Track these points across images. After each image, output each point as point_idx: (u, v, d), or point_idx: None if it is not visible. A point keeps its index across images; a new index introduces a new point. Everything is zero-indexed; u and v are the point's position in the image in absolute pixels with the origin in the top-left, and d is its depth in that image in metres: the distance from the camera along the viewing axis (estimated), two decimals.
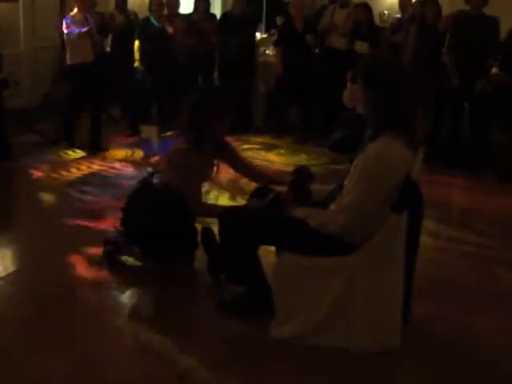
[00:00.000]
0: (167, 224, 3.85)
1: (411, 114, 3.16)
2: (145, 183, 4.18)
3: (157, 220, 3.86)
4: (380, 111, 3.12)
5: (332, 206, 3.30)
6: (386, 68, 3.22)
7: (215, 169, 4.10)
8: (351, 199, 3.12)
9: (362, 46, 7.36)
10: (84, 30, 6.84)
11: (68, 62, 7.00)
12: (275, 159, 7.11)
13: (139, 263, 4.22)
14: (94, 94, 7.15)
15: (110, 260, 4.21)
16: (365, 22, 7.50)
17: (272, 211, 3.48)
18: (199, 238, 4.04)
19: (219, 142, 4.05)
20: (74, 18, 6.94)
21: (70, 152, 6.99)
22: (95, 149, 7.10)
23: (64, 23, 6.92)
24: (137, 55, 8.03)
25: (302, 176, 3.72)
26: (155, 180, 4.11)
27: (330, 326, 3.30)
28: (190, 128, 3.89)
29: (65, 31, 6.88)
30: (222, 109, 3.91)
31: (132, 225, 4.11)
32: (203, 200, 4.26)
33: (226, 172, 4.53)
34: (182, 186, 3.84)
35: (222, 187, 5.74)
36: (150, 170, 5.60)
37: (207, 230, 4.08)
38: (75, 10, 6.97)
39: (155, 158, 6.81)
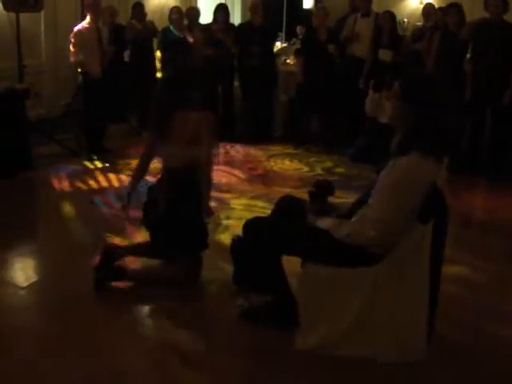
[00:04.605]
0: (177, 215, 3.91)
1: (447, 131, 3.15)
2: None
3: (168, 210, 3.93)
4: (417, 128, 3.09)
5: (356, 217, 3.27)
6: (426, 84, 3.22)
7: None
8: (380, 215, 3.09)
9: (385, 55, 7.31)
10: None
11: (79, 71, 6.88)
12: (296, 168, 7.08)
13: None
14: (105, 105, 7.02)
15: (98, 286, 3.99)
16: (387, 30, 7.46)
17: (296, 221, 3.45)
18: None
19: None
20: (85, 28, 6.70)
21: (92, 162, 7.01)
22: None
23: (73, 33, 6.69)
24: (158, 65, 8.03)
25: (322, 189, 3.69)
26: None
27: (355, 337, 3.27)
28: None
29: (71, 40, 6.71)
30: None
31: (150, 215, 4.15)
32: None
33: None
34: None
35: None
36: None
37: (238, 240, 4.04)
38: (87, 19, 6.74)
39: None
